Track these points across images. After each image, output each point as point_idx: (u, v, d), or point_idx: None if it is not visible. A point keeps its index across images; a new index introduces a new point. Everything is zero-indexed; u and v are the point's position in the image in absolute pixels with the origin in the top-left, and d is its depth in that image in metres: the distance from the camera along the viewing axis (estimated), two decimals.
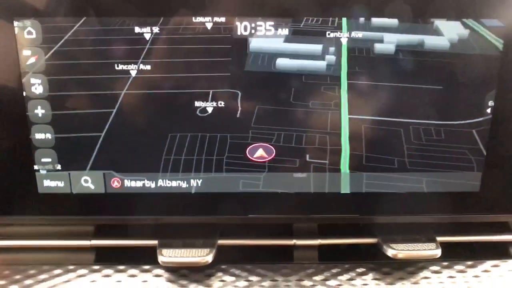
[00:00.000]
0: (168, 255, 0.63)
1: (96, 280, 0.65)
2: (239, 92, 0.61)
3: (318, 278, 0.66)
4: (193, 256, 0.63)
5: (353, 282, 0.66)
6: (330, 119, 0.63)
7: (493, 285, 0.66)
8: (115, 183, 0.64)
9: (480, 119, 0.63)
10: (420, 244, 0.66)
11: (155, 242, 0.66)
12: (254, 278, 0.66)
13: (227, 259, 0.68)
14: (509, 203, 0.66)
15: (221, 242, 0.67)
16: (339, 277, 0.66)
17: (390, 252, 0.64)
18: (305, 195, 0.66)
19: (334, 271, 0.67)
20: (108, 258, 0.68)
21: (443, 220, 0.66)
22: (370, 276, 0.66)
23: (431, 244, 0.66)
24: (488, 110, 0.62)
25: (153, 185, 0.64)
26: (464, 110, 0.62)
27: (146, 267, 0.67)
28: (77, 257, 0.68)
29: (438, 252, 0.64)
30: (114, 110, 0.61)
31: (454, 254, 0.70)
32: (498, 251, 0.72)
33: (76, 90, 0.60)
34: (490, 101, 0.62)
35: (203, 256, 0.63)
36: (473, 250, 0.72)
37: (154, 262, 0.65)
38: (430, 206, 0.66)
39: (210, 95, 0.61)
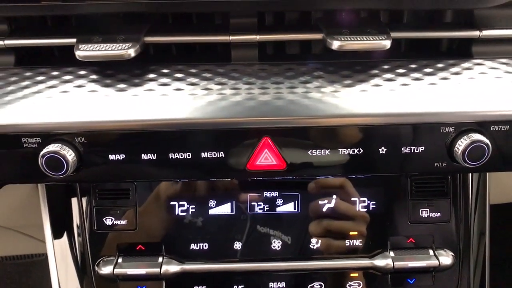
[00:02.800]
0: (85, 50, 0.57)
1: (17, 82, 0.60)
2: None
3: (257, 79, 0.60)
4: (113, 50, 0.57)
5: (293, 81, 0.60)
6: None
7: (450, 85, 0.61)
8: None
9: None
10: (370, 36, 0.59)
11: (74, 40, 0.60)
12: (189, 80, 0.61)
13: (157, 60, 0.62)
14: None
15: (148, 39, 0.60)
16: (279, 78, 0.60)
17: (335, 45, 0.58)
18: None
19: (275, 70, 0.61)
20: (28, 61, 0.63)
21: (398, 6, 0.58)
22: (315, 74, 0.61)
23: (382, 36, 0.59)
24: None
25: None
26: None
27: (69, 68, 0.61)
28: None
29: (387, 44, 0.58)
30: None
31: (411, 54, 0.64)
32: (460, 51, 0.65)
33: None
34: None
35: (124, 49, 0.57)
36: (433, 49, 0.66)
37: (77, 62, 0.60)
38: None
39: None
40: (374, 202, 0.69)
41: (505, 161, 0.62)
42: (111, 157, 0.60)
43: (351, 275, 0.70)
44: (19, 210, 0.78)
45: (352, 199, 0.69)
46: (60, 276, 0.72)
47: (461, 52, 0.65)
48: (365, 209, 0.69)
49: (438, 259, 0.68)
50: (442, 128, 0.60)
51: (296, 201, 0.69)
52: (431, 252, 0.69)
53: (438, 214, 0.70)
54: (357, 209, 0.69)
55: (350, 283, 0.70)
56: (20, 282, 1.90)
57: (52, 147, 0.57)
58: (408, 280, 0.70)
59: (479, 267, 0.73)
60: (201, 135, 0.58)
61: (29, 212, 0.78)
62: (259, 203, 0.69)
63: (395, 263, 0.68)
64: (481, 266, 0.73)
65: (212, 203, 0.69)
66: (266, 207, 0.69)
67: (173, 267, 0.67)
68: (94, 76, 0.60)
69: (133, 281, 0.68)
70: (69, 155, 0.58)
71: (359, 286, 0.70)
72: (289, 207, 0.69)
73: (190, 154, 0.60)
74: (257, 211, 0.69)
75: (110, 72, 0.61)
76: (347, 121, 0.59)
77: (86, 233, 0.69)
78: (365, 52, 0.62)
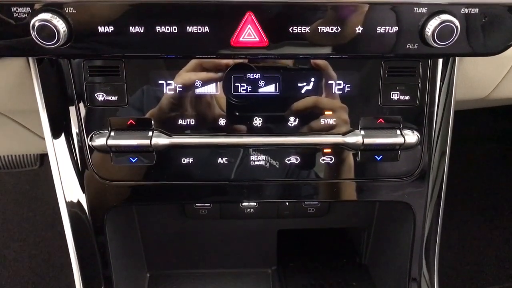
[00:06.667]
0: None
1: None
2: None
3: None
4: None
5: None
6: None
7: None
8: None
9: None
10: None
11: None
12: None
13: None
14: None
15: None
16: None
17: None
18: None
19: None
20: None
21: None
22: None
23: None
24: None
25: None
26: None
27: None
28: None
29: None
30: None
31: None
32: None
33: None
34: None
35: None
36: None
37: None
38: None
39: None
40: (349, 85, 0.74)
41: (472, 44, 0.67)
42: (100, 29, 0.62)
43: (324, 150, 0.77)
44: (10, 92, 0.81)
45: (329, 81, 0.74)
46: (57, 151, 0.77)
47: None
48: (340, 92, 0.75)
49: (404, 138, 0.75)
50: (415, 8, 0.64)
51: (277, 83, 0.74)
52: (398, 132, 0.76)
53: (407, 97, 0.75)
54: (333, 91, 0.74)
55: (323, 157, 0.78)
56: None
57: (44, 16, 0.59)
58: (376, 156, 0.77)
59: (441, 145, 0.80)
60: (187, 8, 0.61)
61: (21, 96, 0.81)
62: (242, 84, 0.74)
63: (364, 139, 0.74)
64: (443, 145, 0.81)
65: (198, 83, 0.73)
66: (249, 88, 0.74)
67: (162, 140, 0.73)
68: None
69: (125, 153, 0.74)
70: (60, 25, 0.60)
71: (331, 160, 0.78)
72: (270, 89, 0.74)
73: (176, 27, 0.63)
74: (240, 92, 0.74)
75: None
76: None
77: (79, 109, 0.73)
78: None
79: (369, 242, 1.11)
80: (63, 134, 0.76)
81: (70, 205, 0.80)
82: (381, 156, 0.77)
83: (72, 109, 0.74)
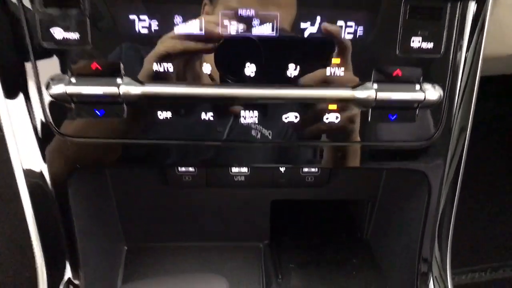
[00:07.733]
0: None
1: None
2: None
3: None
4: None
5: None
6: None
7: None
8: None
9: None
10: None
11: None
12: None
13: None
14: None
15: None
16: None
17: None
18: None
19: None
20: None
21: None
22: None
23: None
24: None
25: None
26: None
27: None
28: None
29: None
30: None
31: None
32: None
33: None
34: None
35: None
36: None
37: None
38: None
39: None
40: (362, 28, 0.61)
41: None
42: None
43: (329, 107, 0.65)
44: None
45: (338, 22, 0.61)
46: (9, 105, 0.64)
47: None
48: (351, 36, 0.62)
49: (424, 93, 0.63)
50: None
51: (275, 22, 0.61)
52: (417, 86, 0.64)
53: (430, 45, 0.63)
54: (342, 35, 0.62)
55: (327, 115, 0.65)
56: None
57: None
58: (390, 115, 0.65)
59: (465, 105, 0.68)
60: None
61: None
62: (232, 23, 0.60)
63: (377, 94, 0.62)
64: (467, 105, 0.69)
65: (178, 19, 0.60)
66: (241, 27, 0.61)
67: (133, 88, 0.60)
68: None
69: (89, 104, 0.62)
70: None
71: (336, 119, 0.66)
72: (266, 29, 0.61)
73: None
74: (230, 32, 0.61)
75: None
76: None
77: (32, 51, 0.60)
78: None
79: (373, 216, 1.00)
80: (15, 83, 0.63)
81: (27, 171, 0.68)
82: (395, 115, 0.65)
83: (24, 51, 0.60)
